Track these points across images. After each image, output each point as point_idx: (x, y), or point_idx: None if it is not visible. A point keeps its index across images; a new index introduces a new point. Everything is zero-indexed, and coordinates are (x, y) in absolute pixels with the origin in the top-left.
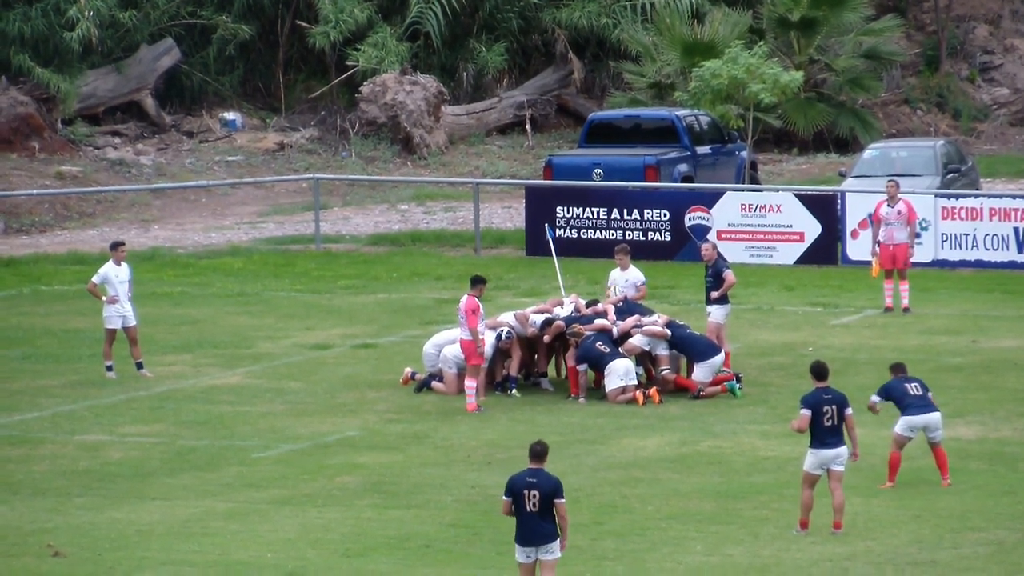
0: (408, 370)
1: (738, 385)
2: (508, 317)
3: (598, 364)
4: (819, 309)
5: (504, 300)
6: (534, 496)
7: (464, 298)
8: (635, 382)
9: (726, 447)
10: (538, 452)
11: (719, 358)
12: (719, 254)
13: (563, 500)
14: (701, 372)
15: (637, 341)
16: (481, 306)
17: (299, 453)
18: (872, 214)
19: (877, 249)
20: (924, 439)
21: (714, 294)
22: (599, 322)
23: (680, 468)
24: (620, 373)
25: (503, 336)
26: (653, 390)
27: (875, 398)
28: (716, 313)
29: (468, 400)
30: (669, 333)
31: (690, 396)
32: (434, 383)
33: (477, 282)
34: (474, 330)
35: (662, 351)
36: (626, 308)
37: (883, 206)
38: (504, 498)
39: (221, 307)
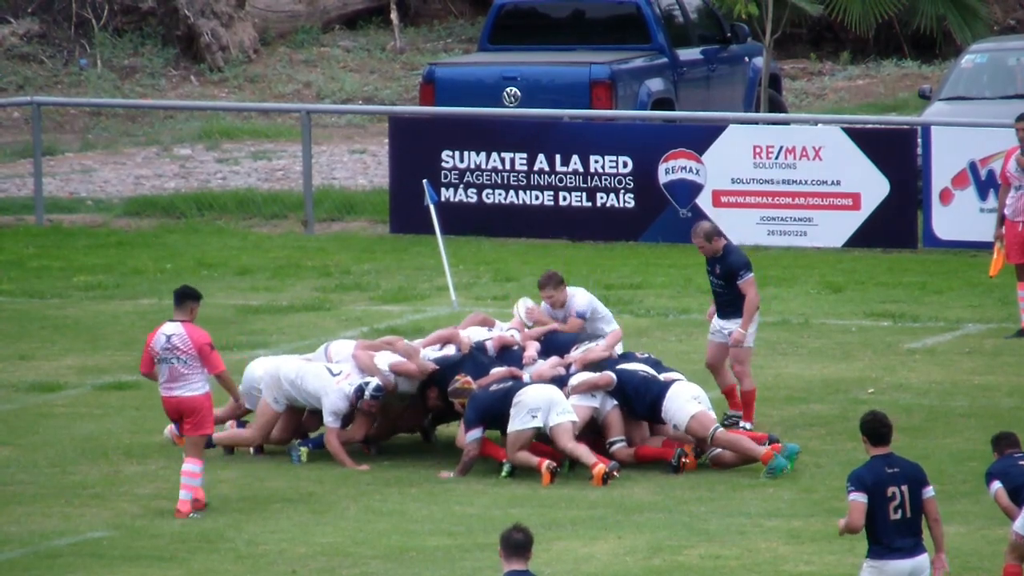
0: (172, 428)
1: (783, 462)
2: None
3: (500, 415)
4: (886, 323)
5: (354, 309)
6: None
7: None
8: (565, 420)
9: (729, 557)
10: (521, 543)
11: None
12: (727, 241)
13: None
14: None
15: (580, 402)
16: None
17: (7, 568)
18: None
19: (1003, 231)
20: None
21: (736, 328)
22: (497, 371)
23: None
24: (533, 404)
25: (368, 393)
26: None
27: (996, 484)
28: (745, 335)
29: (183, 493)
30: (612, 379)
31: (669, 468)
32: (217, 436)
33: (186, 299)
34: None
35: (611, 406)
36: (552, 344)
37: (1013, 158)
38: None
39: None
